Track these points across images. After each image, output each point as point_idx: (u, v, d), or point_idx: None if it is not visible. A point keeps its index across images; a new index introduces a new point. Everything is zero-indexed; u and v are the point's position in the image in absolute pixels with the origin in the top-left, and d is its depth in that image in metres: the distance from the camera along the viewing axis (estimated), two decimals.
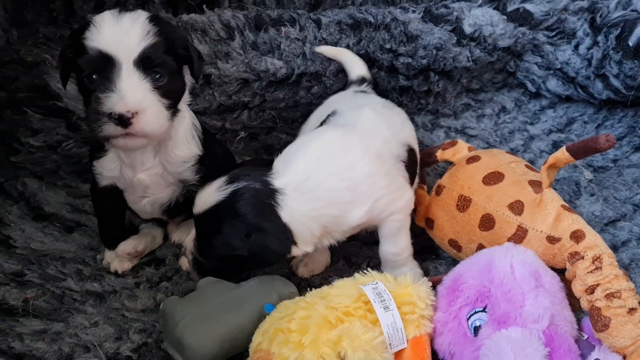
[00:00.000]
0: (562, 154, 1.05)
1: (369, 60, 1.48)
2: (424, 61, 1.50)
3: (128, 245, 1.19)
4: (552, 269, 0.99)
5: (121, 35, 1.00)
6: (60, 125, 1.37)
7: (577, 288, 0.96)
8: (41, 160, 1.39)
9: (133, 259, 1.20)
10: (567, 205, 1.08)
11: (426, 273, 1.16)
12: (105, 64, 0.99)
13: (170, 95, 1.05)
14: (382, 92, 1.51)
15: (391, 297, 0.96)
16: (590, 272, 0.96)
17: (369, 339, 0.90)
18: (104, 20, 1.01)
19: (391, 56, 1.49)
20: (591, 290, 0.94)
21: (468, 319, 0.94)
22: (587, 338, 0.93)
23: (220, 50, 1.41)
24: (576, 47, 1.56)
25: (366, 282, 0.98)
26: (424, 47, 1.49)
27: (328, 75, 1.46)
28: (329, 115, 1.21)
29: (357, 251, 1.23)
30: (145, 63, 1.01)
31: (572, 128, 1.63)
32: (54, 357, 1.00)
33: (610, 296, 0.92)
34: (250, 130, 1.51)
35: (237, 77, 1.41)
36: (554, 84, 1.63)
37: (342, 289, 0.98)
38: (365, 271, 1.01)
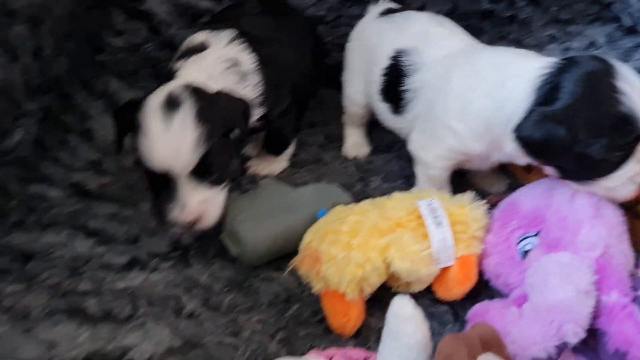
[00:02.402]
0: None
1: None
2: None
3: None
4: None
5: (174, 150, 0.95)
6: (142, 28, 1.42)
7: None
8: (122, 60, 1.46)
9: None
10: None
11: None
12: (162, 176, 0.97)
13: (227, 174, 1.03)
14: (461, 16, 1.45)
15: (445, 214, 0.96)
16: None
17: (417, 251, 0.92)
18: (153, 131, 0.95)
19: None
20: None
21: (518, 243, 0.93)
22: None
23: None
24: None
25: (424, 198, 0.99)
26: None
27: None
28: (397, 60, 1.12)
29: None
30: (200, 171, 0.97)
31: None
32: (123, 237, 1.08)
33: None
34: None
35: None
36: None
37: (398, 201, 0.99)
38: None
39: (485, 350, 0.68)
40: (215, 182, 1.01)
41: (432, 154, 1.06)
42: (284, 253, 1.02)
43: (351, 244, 0.91)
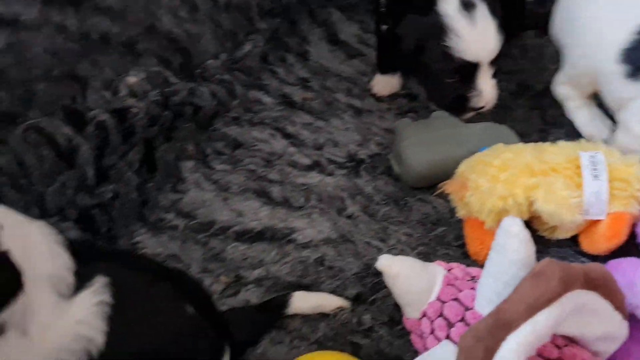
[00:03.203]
0: None
1: None
2: None
3: (388, 80, 1.37)
4: None
5: (483, 42, 1.11)
6: None
7: None
8: None
9: (392, 89, 1.37)
10: None
11: None
12: (465, 68, 1.12)
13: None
14: None
15: (606, 169, 0.95)
16: None
17: (565, 196, 0.93)
18: (463, 29, 1.09)
19: None
20: None
21: None
22: None
23: None
24: None
25: (589, 150, 0.99)
26: None
27: None
28: None
29: None
30: (495, 59, 1.13)
31: None
32: (311, 144, 1.26)
33: None
34: None
35: None
36: None
37: (560, 148, 1.00)
38: None
39: (588, 287, 0.69)
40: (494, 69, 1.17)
41: None
42: (442, 180, 1.10)
43: (498, 177, 0.95)
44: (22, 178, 1.01)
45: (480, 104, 1.14)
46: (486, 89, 1.14)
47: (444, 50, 1.10)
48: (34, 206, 1.01)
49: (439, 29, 1.10)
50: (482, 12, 1.11)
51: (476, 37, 1.10)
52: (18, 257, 0.63)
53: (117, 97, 1.14)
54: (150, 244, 1.09)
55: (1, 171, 0.99)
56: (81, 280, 0.71)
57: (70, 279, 0.70)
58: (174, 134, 1.23)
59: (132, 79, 1.17)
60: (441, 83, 1.15)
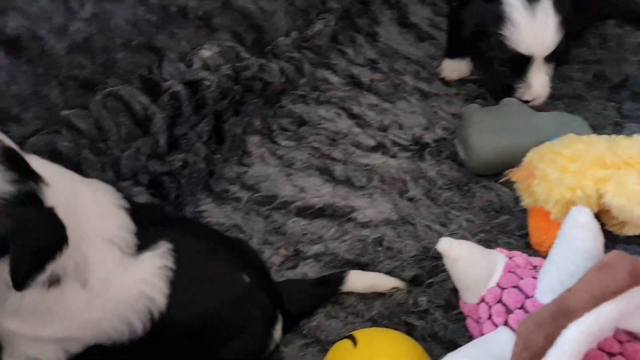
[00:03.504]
0: None
1: None
2: None
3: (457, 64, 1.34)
4: None
5: (540, 36, 1.11)
6: None
7: None
8: None
9: (461, 74, 1.36)
10: None
11: None
12: (520, 59, 1.13)
13: (562, 59, 1.18)
14: None
15: None
16: None
17: (638, 191, 0.91)
18: (522, 20, 1.10)
19: None
20: None
21: None
22: None
23: None
24: None
25: None
26: None
27: None
28: None
29: None
30: (551, 55, 1.13)
31: None
32: (376, 126, 1.27)
33: None
34: None
35: None
36: None
37: (635, 142, 0.97)
38: None
39: None
40: (552, 65, 1.16)
41: None
42: (508, 168, 1.09)
43: (567, 167, 0.93)
44: (100, 142, 1.06)
45: (527, 97, 1.14)
46: (536, 84, 1.13)
47: (500, 39, 1.11)
48: (110, 169, 1.06)
49: (499, 17, 1.11)
50: (545, 6, 1.10)
51: (533, 30, 1.10)
52: (67, 214, 0.66)
53: (191, 70, 1.17)
54: (214, 213, 1.13)
55: (82, 134, 1.04)
56: (145, 242, 0.75)
57: (131, 239, 0.74)
58: (242, 108, 1.26)
59: (206, 53, 1.21)
60: (493, 70, 1.17)
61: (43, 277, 0.65)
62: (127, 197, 0.80)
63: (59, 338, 0.73)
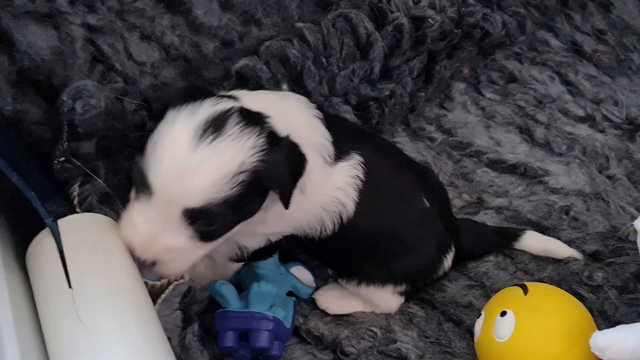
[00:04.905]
0: None
1: None
2: None
3: None
4: None
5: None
6: None
7: None
8: None
9: None
10: None
11: None
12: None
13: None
14: None
15: None
16: None
17: None
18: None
19: None
20: None
21: None
22: None
23: None
24: None
25: None
26: None
27: None
28: None
29: None
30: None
31: None
32: (590, 97, 1.22)
33: None
34: None
35: None
36: None
37: None
38: None
39: None
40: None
41: None
42: None
43: None
44: (323, 57, 1.15)
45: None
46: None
47: None
48: (326, 84, 1.16)
49: None
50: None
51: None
52: (289, 132, 0.74)
53: (418, 6, 1.21)
54: (407, 146, 1.18)
55: (309, 47, 1.14)
56: (340, 152, 0.83)
57: (330, 148, 0.82)
58: (455, 54, 1.28)
59: None
60: None
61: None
62: (319, 107, 0.87)
63: (269, 233, 0.84)
